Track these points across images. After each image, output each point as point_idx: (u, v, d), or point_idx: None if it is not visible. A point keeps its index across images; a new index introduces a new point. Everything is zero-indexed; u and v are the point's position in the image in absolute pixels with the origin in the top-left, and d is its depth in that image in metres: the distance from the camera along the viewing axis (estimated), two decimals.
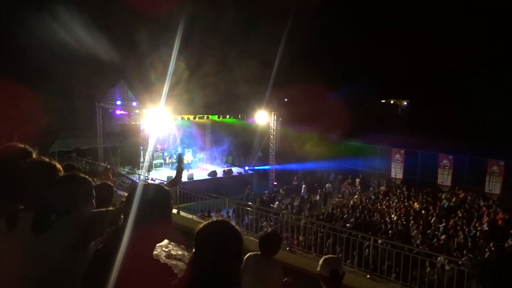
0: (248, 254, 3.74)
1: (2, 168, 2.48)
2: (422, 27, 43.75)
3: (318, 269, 3.27)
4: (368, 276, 7.52)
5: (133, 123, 21.86)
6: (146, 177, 18.48)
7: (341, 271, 3.23)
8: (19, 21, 19.32)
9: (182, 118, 21.07)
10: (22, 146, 2.65)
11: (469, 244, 12.44)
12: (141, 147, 20.88)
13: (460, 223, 14.49)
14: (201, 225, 1.85)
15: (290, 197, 20.10)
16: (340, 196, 21.66)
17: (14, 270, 2.19)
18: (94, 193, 2.48)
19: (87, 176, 2.47)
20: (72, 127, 22.13)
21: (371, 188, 22.69)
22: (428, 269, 8.87)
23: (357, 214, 15.81)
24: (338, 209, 17.50)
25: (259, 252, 3.78)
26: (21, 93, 18.24)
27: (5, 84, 17.54)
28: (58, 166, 2.54)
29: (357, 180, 23.36)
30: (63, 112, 20.81)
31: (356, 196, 20.36)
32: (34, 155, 2.62)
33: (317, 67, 32.62)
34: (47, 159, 2.54)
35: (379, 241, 9.90)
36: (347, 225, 13.58)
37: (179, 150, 22.54)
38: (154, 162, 21.64)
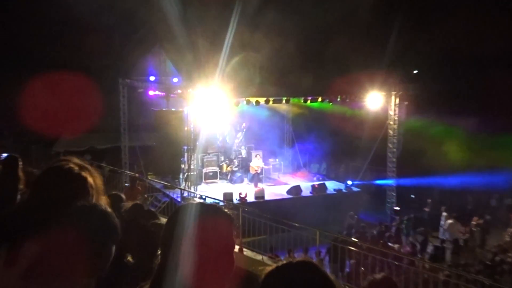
0: None
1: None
2: None
3: None
4: None
5: (173, 109, 20.40)
6: (193, 194, 17.23)
7: None
8: None
9: (248, 102, 18.92)
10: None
11: None
12: (185, 147, 19.17)
13: None
14: (269, 269, 1.72)
15: (420, 232, 17.60)
16: (509, 233, 18.64)
17: None
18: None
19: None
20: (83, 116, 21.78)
21: None
22: None
23: None
24: (506, 255, 15.21)
25: None
26: None
27: None
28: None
29: None
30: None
31: None
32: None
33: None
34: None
35: None
36: None
37: (242, 153, 20.70)
38: (205, 170, 20.07)
